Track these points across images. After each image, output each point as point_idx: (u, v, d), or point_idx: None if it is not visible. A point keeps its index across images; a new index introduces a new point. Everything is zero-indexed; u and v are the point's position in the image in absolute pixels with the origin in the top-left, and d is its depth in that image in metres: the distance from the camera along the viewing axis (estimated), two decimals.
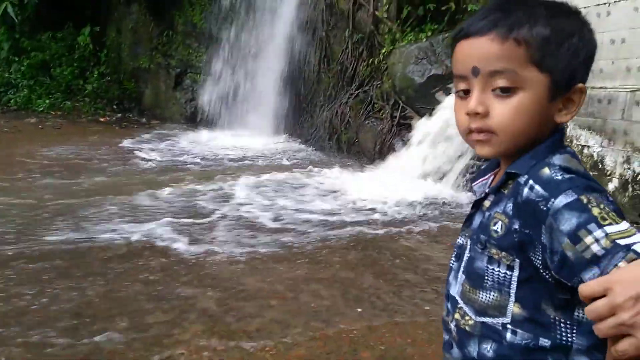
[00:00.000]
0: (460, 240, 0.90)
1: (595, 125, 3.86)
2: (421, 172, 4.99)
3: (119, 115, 10.01)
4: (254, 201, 4.27)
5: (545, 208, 0.72)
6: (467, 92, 0.80)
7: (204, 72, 9.17)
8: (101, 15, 10.79)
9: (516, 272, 0.78)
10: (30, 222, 3.55)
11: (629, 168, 3.56)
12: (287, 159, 6.39)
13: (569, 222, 0.70)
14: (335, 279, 2.73)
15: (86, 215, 3.74)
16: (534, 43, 0.77)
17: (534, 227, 0.74)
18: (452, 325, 0.85)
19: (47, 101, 9.83)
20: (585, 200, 0.70)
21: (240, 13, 8.51)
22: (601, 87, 3.79)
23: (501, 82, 0.77)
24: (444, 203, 4.39)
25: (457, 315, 0.85)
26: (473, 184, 0.92)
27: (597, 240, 0.68)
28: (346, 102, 6.75)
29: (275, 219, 3.79)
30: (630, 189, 3.55)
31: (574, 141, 4.02)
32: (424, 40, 5.76)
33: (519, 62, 0.76)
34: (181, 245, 3.15)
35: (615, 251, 0.67)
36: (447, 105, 5.04)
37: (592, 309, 0.63)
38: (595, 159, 3.85)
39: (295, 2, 7.72)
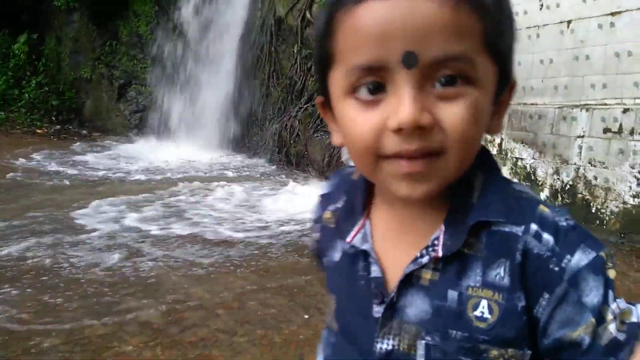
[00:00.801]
0: (380, 346, 0.54)
1: (527, 139, 4.12)
2: None
3: (58, 127, 9.60)
4: (196, 214, 4.21)
5: (557, 269, 0.50)
6: (377, 89, 0.49)
7: (149, 84, 8.99)
8: (39, 23, 10.36)
9: None
10: None
11: (558, 178, 3.82)
12: (232, 172, 6.35)
13: (594, 292, 0.49)
14: (283, 287, 2.73)
15: (17, 230, 3.54)
16: (490, 6, 0.49)
17: (536, 295, 0.51)
18: None
19: None
20: (605, 259, 0.51)
21: (188, 26, 8.44)
22: (532, 104, 4.06)
23: (450, 70, 0.48)
24: None
25: None
26: (351, 240, 0.58)
27: (615, 318, 0.49)
28: (295, 116, 6.82)
29: (216, 232, 3.76)
30: (560, 198, 3.79)
31: (509, 154, 4.26)
32: None
33: (473, 43, 0.48)
34: (116, 258, 3.06)
35: (634, 335, 0.49)
36: None
37: None
38: (528, 170, 4.10)
39: (243, 17, 7.76)
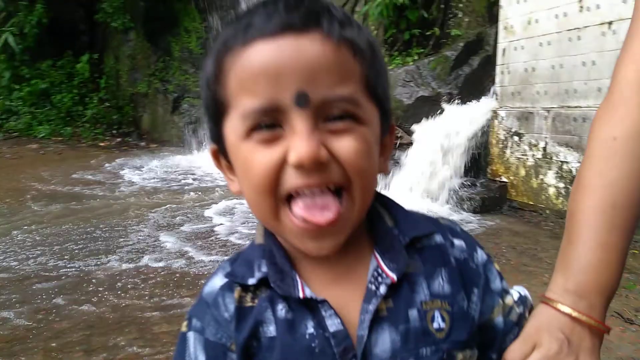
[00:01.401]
0: None
1: (572, 142, 4.11)
2: (416, 190, 5.18)
3: (119, 139, 10.24)
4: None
5: (474, 265, 0.58)
6: (273, 128, 0.50)
7: (200, 97, 9.46)
8: (99, 43, 11.11)
9: None
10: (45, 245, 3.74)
11: None
12: None
13: (497, 280, 0.60)
14: None
15: (93, 237, 3.92)
16: (367, 54, 0.52)
17: (468, 293, 0.57)
18: None
19: (48, 127, 10.06)
20: (489, 254, 0.62)
21: None
22: (576, 107, 4.05)
23: (338, 110, 0.50)
24: None
25: None
26: (303, 295, 0.53)
27: (519, 301, 0.61)
28: None
29: None
30: None
31: (554, 157, 4.26)
32: (411, 63, 6.04)
33: (357, 85, 0.51)
34: (182, 261, 3.35)
35: (527, 304, 0.62)
36: (435, 126, 5.30)
37: None
38: (574, 174, 4.09)
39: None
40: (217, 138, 0.55)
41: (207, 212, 4.68)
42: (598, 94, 3.84)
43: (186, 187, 6.07)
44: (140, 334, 2.36)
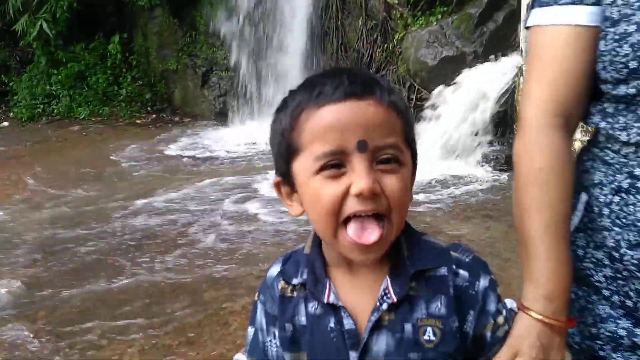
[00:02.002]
0: None
1: None
2: (443, 148, 5.26)
3: (154, 116, 10.60)
4: None
5: (474, 292, 0.72)
6: (338, 167, 0.66)
7: (228, 69, 9.64)
8: (127, 23, 11.34)
9: None
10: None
11: None
12: None
13: (493, 303, 0.72)
14: None
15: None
16: (405, 113, 0.70)
17: (464, 315, 0.71)
18: None
19: (87, 109, 10.49)
20: (494, 280, 0.73)
21: (257, 10, 8.88)
22: None
23: (387, 155, 0.66)
24: (466, 181, 4.63)
25: None
26: (327, 300, 0.72)
27: (505, 319, 0.73)
28: None
29: None
30: None
31: None
32: (434, 23, 6.01)
33: (399, 136, 0.68)
34: (221, 231, 3.64)
35: (512, 319, 0.73)
36: (462, 82, 5.30)
37: None
38: None
39: None
40: (284, 173, 0.72)
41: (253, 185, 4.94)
42: None
43: (225, 161, 6.37)
44: (192, 301, 2.68)
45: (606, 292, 0.76)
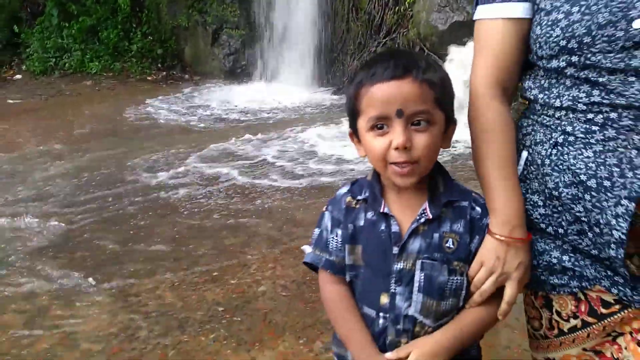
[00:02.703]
0: (397, 266, 0.98)
1: None
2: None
3: (164, 73, 10.69)
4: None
5: (481, 224, 0.99)
6: (381, 127, 0.93)
7: (238, 28, 9.66)
8: None
9: (465, 277, 0.99)
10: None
11: None
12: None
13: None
14: None
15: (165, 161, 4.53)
16: (439, 86, 0.93)
17: (473, 237, 0.98)
18: (406, 341, 0.98)
19: (99, 64, 10.58)
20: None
21: None
22: None
23: (420, 120, 0.91)
24: None
25: (417, 329, 0.98)
26: (383, 210, 1.00)
27: None
28: (375, 50, 7.16)
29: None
30: None
31: None
32: None
33: (431, 103, 0.92)
34: (240, 185, 3.90)
35: None
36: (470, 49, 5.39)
37: (477, 278, 0.97)
38: None
39: None
40: (353, 127, 1.01)
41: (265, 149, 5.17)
42: None
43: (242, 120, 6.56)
44: (214, 245, 2.96)
45: (542, 226, 0.98)
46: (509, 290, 0.97)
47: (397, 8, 6.88)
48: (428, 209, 0.99)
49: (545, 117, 0.96)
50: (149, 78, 10.27)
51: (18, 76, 10.64)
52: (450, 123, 0.99)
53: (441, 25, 5.90)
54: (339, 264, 1.05)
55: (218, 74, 10.17)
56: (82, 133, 6.03)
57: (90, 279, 2.66)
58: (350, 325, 1.02)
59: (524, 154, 1.00)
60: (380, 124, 0.94)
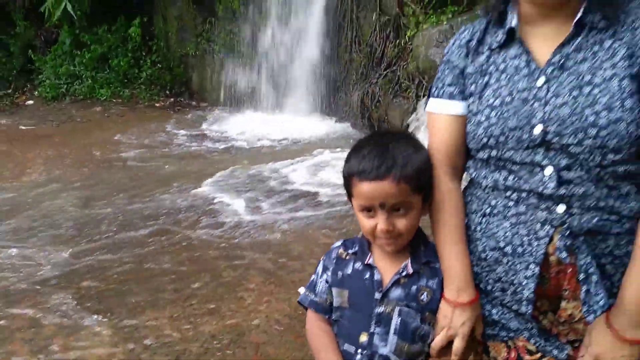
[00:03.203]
0: (378, 310, 1.16)
1: None
2: None
3: (172, 99, 10.98)
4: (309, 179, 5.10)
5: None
6: (369, 210, 1.15)
7: (245, 57, 9.95)
8: (147, 6, 11.65)
9: (432, 327, 1.17)
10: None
11: None
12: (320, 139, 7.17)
13: None
14: None
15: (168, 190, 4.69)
16: (414, 179, 1.13)
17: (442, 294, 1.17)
18: None
19: (109, 90, 10.89)
20: None
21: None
22: None
23: (400, 207, 1.13)
24: None
25: None
26: (367, 262, 1.22)
27: None
28: (376, 82, 7.37)
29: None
30: None
31: None
32: (445, 23, 6.26)
33: (407, 194, 1.13)
34: (241, 216, 4.04)
35: None
36: None
37: (435, 333, 1.16)
38: None
39: None
40: (349, 194, 1.22)
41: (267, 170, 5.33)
42: None
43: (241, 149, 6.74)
44: (212, 277, 3.08)
45: (476, 282, 1.15)
46: (456, 344, 1.14)
47: (397, 41, 7.09)
48: (410, 265, 1.19)
49: (478, 191, 1.15)
50: (157, 105, 10.54)
51: (30, 102, 10.96)
52: (428, 197, 1.18)
53: (439, 60, 6.07)
54: (322, 305, 1.25)
55: (224, 102, 10.43)
56: (91, 160, 6.24)
57: (94, 310, 2.79)
58: (328, 357, 1.20)
59: (468, 218, 1.18)
60: (367, 209, 1.16)
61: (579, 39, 1.01)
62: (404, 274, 1.17)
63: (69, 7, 10.70)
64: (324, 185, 4.86)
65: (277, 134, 7.62)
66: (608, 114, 0.95)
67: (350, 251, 1.26)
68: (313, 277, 1.30)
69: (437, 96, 1.18)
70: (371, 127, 7.32)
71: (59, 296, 2.96)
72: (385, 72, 7.23)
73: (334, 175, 5.10)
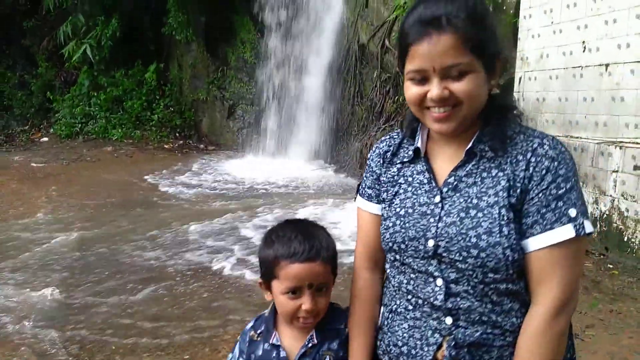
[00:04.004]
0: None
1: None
2: None
3: (181, 142, 11.32)
4: None
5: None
6: (294, 292, 1.18)
7: (253, 104, 10.32)
8: (164, 53, 12.22)
9: None
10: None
11: (597, 207, 4.22)
12: (320, 188, 7.34)
13: None
14: None
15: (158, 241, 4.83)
16: (334, 260, 1.21)
17: (345, 351, 1.25)
18: None
19: (121, 131, 11.29)
20: None
21: (285, 49, 9.57)
22: (577, 137, 4.47)
23: (322, 287, 1.16)
24: None
25: None
26: (272, 342, 1.26)
27: None
28: (375, 135, 7.60)
29: None
30: (598, 226, 4.20)
31: None
32: None
33: (329, 274, 1.20)
34: (224, 266, 4.16)
35: None
36: None
37: None
38: None
39: (331, 44, 8.69)
40: (265, 279, 1.26)
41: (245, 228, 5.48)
42: (595, 128, 4.24)
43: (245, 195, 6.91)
44: (192, 326, 3.18)
45: None
46: None
47: (396, 97, 7.37)
48: (315, 337, 1.26)
49: (390, 287, 1.23)
50: (166, 146, 10.89)
51: (45, 139, 11.37)
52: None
53: None
54: None
55: (231, 146, 10.75)
56: (94, 203, 6.45)
57: (75, 355, 2.89)
58: None
59: (382, 309, 1.26)
60: (293, 290, 1.22)
61: (470, 165, 1.09)
62: (309, 345, 1.23)
63: (89, 51, 11.28)
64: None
65: (277, 179, 7.82)
66: (488, 237, 1.02)
67: (259, 331, 1.30)
68: (230, 356, 1.36)
69: (361, 195, 1.27)
70: None
71: (46, 338, 3.07)
72: (384, 126, 7.47)
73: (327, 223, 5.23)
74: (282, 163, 8.98)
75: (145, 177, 8.00)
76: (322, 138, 8.98)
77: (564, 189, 1.02)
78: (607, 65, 4.15)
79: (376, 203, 1.23)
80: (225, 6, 10.24)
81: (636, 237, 3.86)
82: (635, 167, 3.84)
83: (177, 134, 11.70)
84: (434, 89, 1.02)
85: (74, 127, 11.48)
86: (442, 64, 1.00)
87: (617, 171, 4.02)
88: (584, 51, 4.37)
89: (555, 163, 1.03)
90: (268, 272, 1.26)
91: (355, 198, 1.31)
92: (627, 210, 3.92)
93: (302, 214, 5.71)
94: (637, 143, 3.87)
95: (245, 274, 4.04)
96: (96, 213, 5.91)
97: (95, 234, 5.11)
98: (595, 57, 4.25)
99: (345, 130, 8.66)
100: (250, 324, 1.35)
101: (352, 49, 8.41)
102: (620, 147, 3.98)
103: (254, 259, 4.37)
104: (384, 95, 7.67)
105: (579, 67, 4.43)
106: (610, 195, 4.08)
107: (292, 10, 9.15)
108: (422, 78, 1.03)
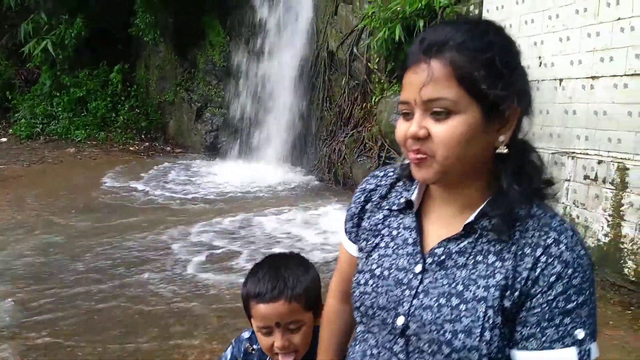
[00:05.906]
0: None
1: None
2: None
3: (147, 144, 11.16)
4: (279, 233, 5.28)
5: None
6: (265, 329, 1.22)
7: (221, 107, 10.30)
8: (131, 54, 12.02)
9: None
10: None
11: None
12: (286, 192, 7.41)
13: None
14: None
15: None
16: (304, 297, 1.23)
17: None
18: None
19: (84, 132, 11.04)
20: None
21: (255, 55, 9.60)
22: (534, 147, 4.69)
23: (294, 325, 1.11)
24: None
25: None
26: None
27: None
28: (343, 140, 7.73)
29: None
30: None
31: None
32: None
33: (299, 312, 1.18)
34: (202, 267, 4.17)
35: None
36: None
37: None
38: None
39: (300, 49, 8.78)
40: (248, 316, 1.31)
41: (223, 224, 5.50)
42: (549, 139, 4.47)
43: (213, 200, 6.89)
44: (160, 332, 3.20)
45: None
46: None
47: (364, 104, 7.51)
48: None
49: (354, 352, 1.08)
50: (132, 148, 10.71)
51: (3, 139, 10.99)
52: (318, 312, 1.29)
53: None
54: None
55: (198, 149, 10.67)
56: (57, 205, 6.31)
57: None
58: None
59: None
60: (267, 330, 1.27)
61: (466, 242, 0.92)
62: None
63: (50, 47, 10.94)
64: (290, 237, 5.05)
65: (245, 184, 7.83)
66: (465, 338, 0.86)
67: (255, 346, 1.36)
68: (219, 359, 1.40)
69: (344, 228, 1.15)
70: (337, 183, 7.62)
71: (5, 347, 3.02)
72: (352, 132, 7.61)
73: (297, 227, 5.32)
74: (249, 166, 9.00)
75: (109, 179, 7.87)
76: (291, 142, 9.05)
77: (575, 302, 0.84)
78: (561, 80, 4.39)
79: (354, 243, 1.11)
80: (194, 8, 10.18)
81: (585, 242, 4.10)
82: (585, 177, 4.08)
83: (143, 136, 11.53)
84: (412, 126, 0.85)
85: (34, 128, 11.15)
86: (423, 95, 0.83)
87: (569, 180, 4.26)
88: (539, 66, 4.61)
89: (570, 270, 0.84)
90: (246, 309, 1.32)
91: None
92: (578, 217, 4.16)
93: (267, 218, 5.76)
94: (587, 154, 4.11)
95: (211, 279, 4.06)
96: (58, 217, 5.79)
97: (57, 239, 5.02)
98: (551, 71, 4.49)
99: (314, 135, 8.76)
100: (247, 335, 1.39)
101: (322, 56, 8.52)
102: (572, 158, 4.22)
103: (216, 264, 4.41)
104: (352, 101, 7.81)
105: (535, 80, 4.66)
106: (563, 203, 4.32)
107: (263, 14, 9.22)
108: (409, 112, 0.87)
